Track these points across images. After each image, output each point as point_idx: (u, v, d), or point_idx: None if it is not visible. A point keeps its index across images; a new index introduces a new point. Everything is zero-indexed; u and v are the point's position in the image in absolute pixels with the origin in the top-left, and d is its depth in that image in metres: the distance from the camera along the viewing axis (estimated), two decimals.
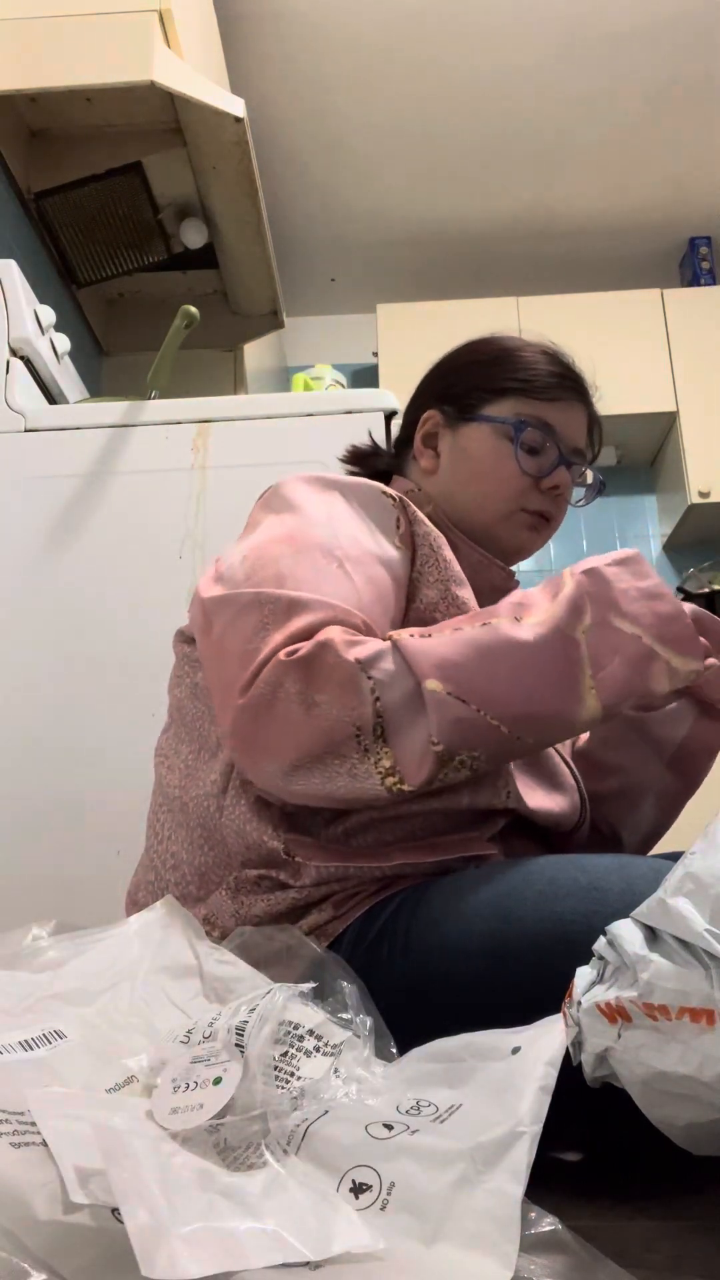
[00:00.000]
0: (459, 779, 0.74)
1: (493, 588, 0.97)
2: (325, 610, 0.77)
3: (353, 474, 1.05)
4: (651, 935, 0.51)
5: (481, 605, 0.96)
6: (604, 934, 0.54)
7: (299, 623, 0.76)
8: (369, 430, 1.15)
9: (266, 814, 0.79)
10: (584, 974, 0.54)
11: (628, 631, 0.74)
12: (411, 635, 0.75)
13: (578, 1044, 0.52)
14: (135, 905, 0.88)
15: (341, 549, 0.83)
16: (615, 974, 0.51)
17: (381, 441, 1.13)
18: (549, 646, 0.73)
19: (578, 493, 1.03)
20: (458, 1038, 0.60)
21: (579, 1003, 0.51)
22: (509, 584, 0.99)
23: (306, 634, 0.75)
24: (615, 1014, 0.49)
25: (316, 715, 0.72)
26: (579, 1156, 0.65)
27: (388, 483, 1.01)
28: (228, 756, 0.83)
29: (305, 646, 0.73)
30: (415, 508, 0.91)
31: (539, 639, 0.73)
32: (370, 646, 0.74)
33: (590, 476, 1.03)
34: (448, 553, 0.90)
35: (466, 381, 1.01)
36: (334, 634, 0.74)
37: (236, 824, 0.80)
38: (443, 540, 0.91)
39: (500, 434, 0.97)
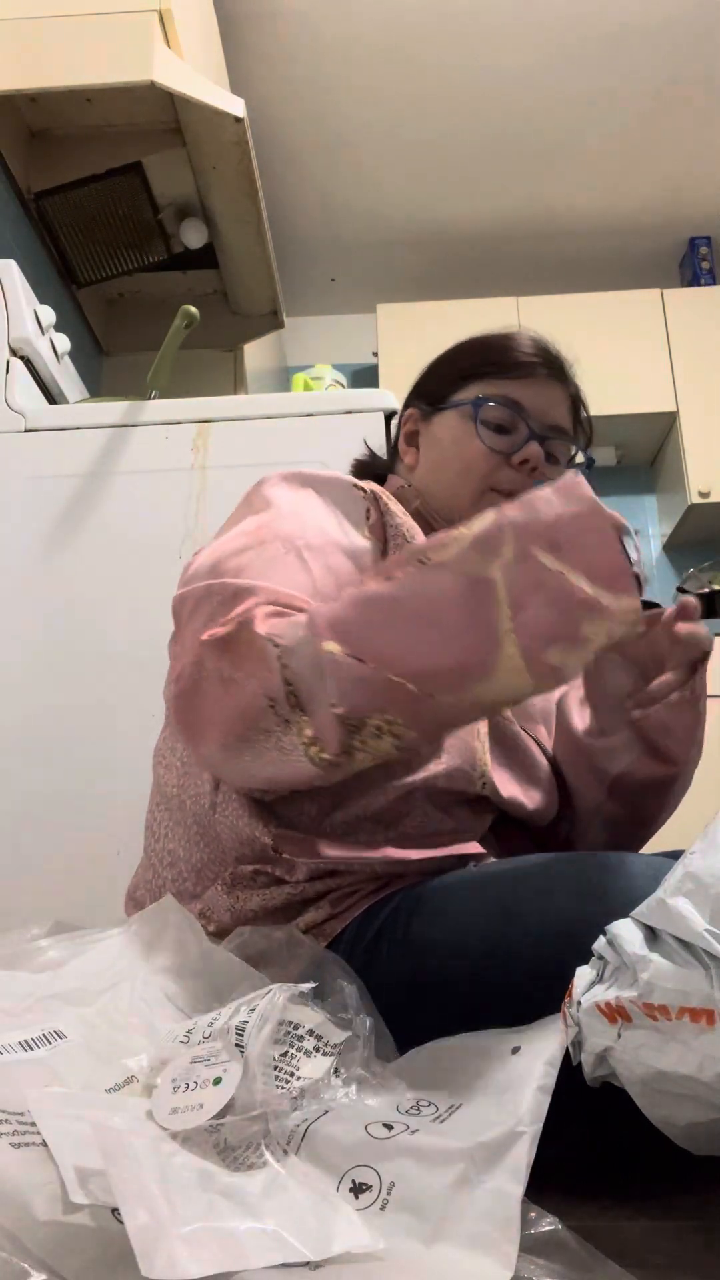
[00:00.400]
0: (386, 749, 0.68)
1: None
2: (264, 595, 0.76)
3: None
4: (651, 935, 0.51)
5: None
6: (604, 934, 0.54)
7: (238, 609, 0.75)
8: (364, 439, 1.17)
9: (257, 810, 0.79)
10: (584, 974, 0.54)
11: (552, 568, 0.63)
12: (326, 603, 0.72)
13: (577, 1044, 0.52)
14: (134, 904, 0.88)
15: (304, 539, 0.84)
16: (615, 974, 0.51)
17: (380, 444, 1.14)
18: (451, 589, 0.65)
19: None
20: (458, 1038, 0.60)
21: (579, 1002, 0.51)
22: None
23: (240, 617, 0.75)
24: (615, 1014, 0.49)
25: (233, 691, 0.71)
26: (578, 1156, 0.65)
27: (384, 485, 1.02)
28: None
29: (224, 628, 0.73)
30: (388, 500, 0.92)
31: (439, 583, 0.65)
32: (286, 619, 0.72)
33: (580, 456, 1.01)
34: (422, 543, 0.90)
35: (438, 374, 1.03)
36: (257, 612, 0.73)
37: (229, 820, 0.80)
38: (418, 531, 0.90)
39: (464, 416, 0.96)
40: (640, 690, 0.87)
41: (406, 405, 1.06)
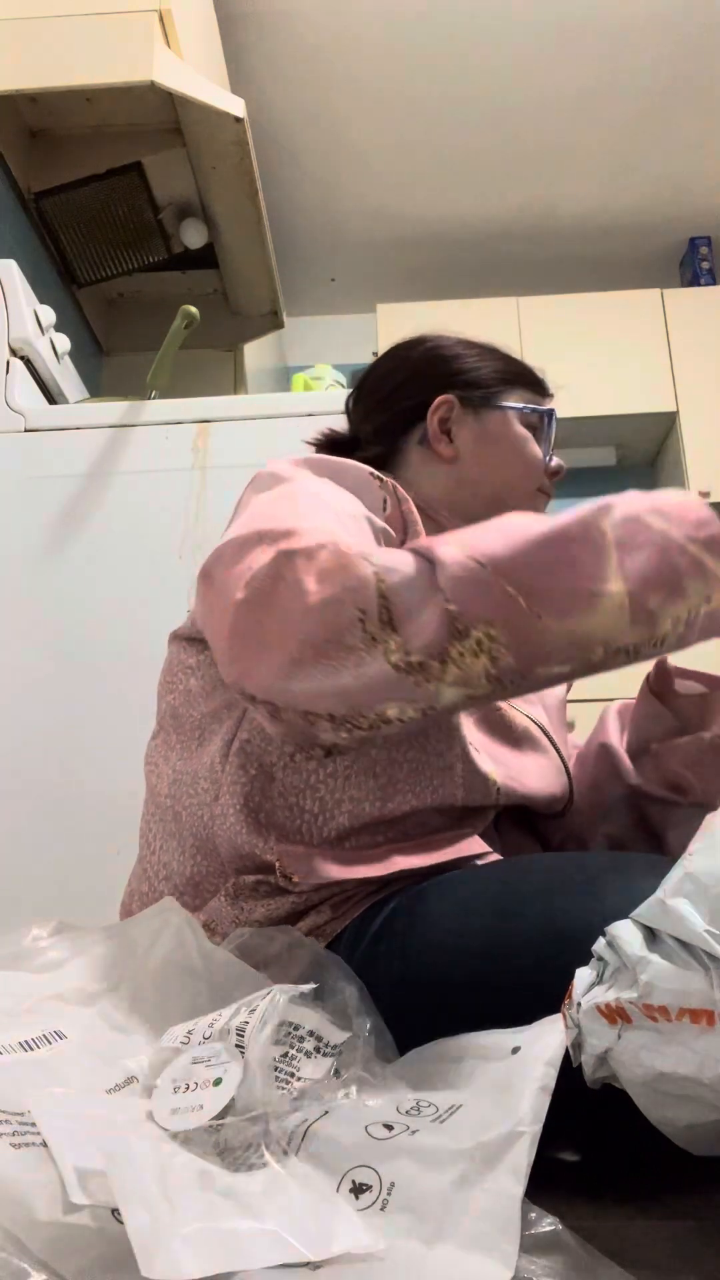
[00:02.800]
0: (478, 672, 0.67)
1: None
2: (323, 534, 0.73)
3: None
4: (651, 936, 0.51)
5: None
6: (603, 935, 0.53)
7: (295, 539, 0.73)
8: (346, 410, 1.09)
9: (256, 824, 0.78)
10: (583, 975, 0.54)
11: (658, 526, 0.69)
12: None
13: (577, 1045, 0.52)
14: (129, 916, 0.87)
15: (335, 507, 0.82)
16: (615, 975, 0.51)
17: None
18: (572, 528, 0.69)
19: None
20: (458, 1038, 0.60)
21: (578, 1004, 0.51)
22: None
23: (304, 543, 0.73)
24: (615, 1015, 0.49)
25: (319, 602, 0.67)
26: (578, 1157, 0.65)
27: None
28: (216, 762, 0.82)
29: (303, 541, 0.71)
30: (403, 491, 0.90)
31: (561, 522, 0.69)
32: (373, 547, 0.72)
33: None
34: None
35: (474, 371, 1.02)
36: (329, 539, 0.72)
37: (227, 833, 0.79)
38: (421, 528, 0.90)
39: (522, 422, 1.01)
40: (672, 738, 0.94)
41: (433, 393, 1.01)
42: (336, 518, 0.79)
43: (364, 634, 0.67)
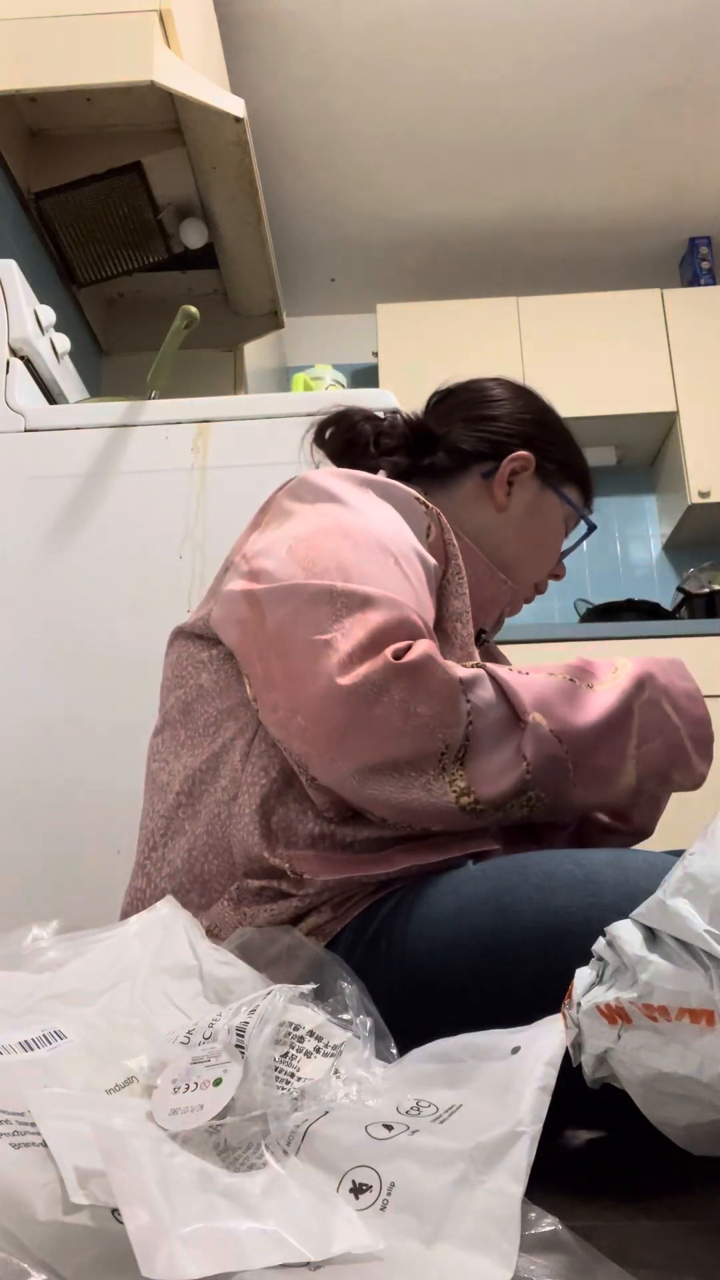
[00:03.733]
0: (516, 817, 0.76)
1: (491, 600, 1.01)
2: (397, 610, 0.76)
3: (338, 464, 1.04)
4: (651, 936, 0.51)
5: (478, 617, 1.00)
6: (603, 935, 0.54)
7: (375, 618, 0.75)
8: (393, 411, 1.10)
9: (269, 827, 0.78)
10: (583, 975, 0.54)
11: (672, 719, 0.79)
12: (499, 669, 0.78)
13: (577, 1045, 0.52)
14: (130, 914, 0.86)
15: (394, 545, 0.82)
16: (614, 975, 0.51)
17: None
18: (617, 711, 0.77)
19: None
20: (457, 1038, 0.60)
21: (578, 1004, 0.51)
22: (512, 605, 1.05)
23: (388, 633, 0.75)
24: (615, 1015, 0.49)
25: (414, 727, 0.72)
26: (579, 1156, 0.65)
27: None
28: (237, 762, 0.81)
29: (413, 655, 0.73)
30: (446, 519, 0.92)
31: (611, 702, 0.77)
32: (469, 670, 0.76)
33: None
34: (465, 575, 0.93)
35: (559, 451, 1.05)
36: (430, 648, 0.75)
37: (241, 834, 0.79)
38: (460, 561, 0.92)
39: (565, 513, 1.05)
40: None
41: (511, 444, 1.02)
42: (398, 565, 0.81)
43: (438, 764, 0.73)
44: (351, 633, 0.74)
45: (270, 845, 0.78)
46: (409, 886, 0.76)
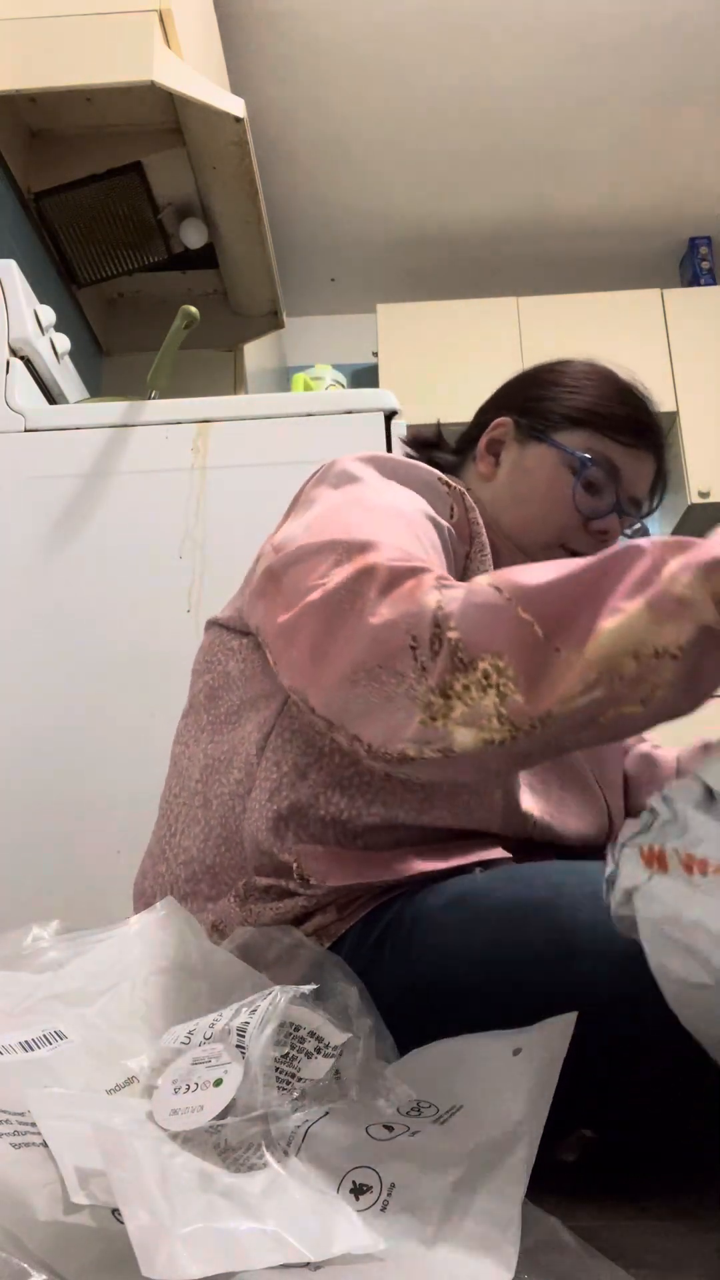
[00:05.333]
0: (487, 711, 0.60)
1: None
2: (399, 551, 0.72)
3: (410, 457, 1.01)
4: (709, 797, 0.50)
5: None
6: (659, 790, 0.54)
7: (371, 555, 0.71)
8: (437, 420, 1.11)
9: (280, 821, 0.78)
10: (631, 823, 0.54)
11: (685, 556, 0.59)
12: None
13: (611, 881, 0.53)
14: (142, 895, 0.86)
15: (407, 515, 0.80)
16: (664, 825, 0.51)
17: (379, 444, 1.11)
18: (605, 561, 0.62)
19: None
20: (459, 1039, 0.60)
21: (622, 845, 0.52)
22: None
23: (382, 565, 0.70)
24: (653, 859, 0.49)
25: (378, 624, 0.65)
26: (578, 1156, 0.65)
27: None
28: (252, 754, 0.81)
29: (385, 559, 0.69)
30: (470, 499, 0.89)
31: (596, 557, 0.63)
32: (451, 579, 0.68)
33: (639, 528, 1.00)
34: (489, 552, 0.89)
35: (547, 400, 0.98)
36: (414, 558, 0.71)
37: (252, 828, 0.78)
38: (485, 538, 0.89)
39: (565, 463, 0.94)
40: None
41: (498, 409, 1.00)
42: (410, 527, 0.78)
43: (414, 663, 0.63)
44: (346, 567, 0.71)
45: (280, 840, 0.77)
46: (414, 891, 0.76)
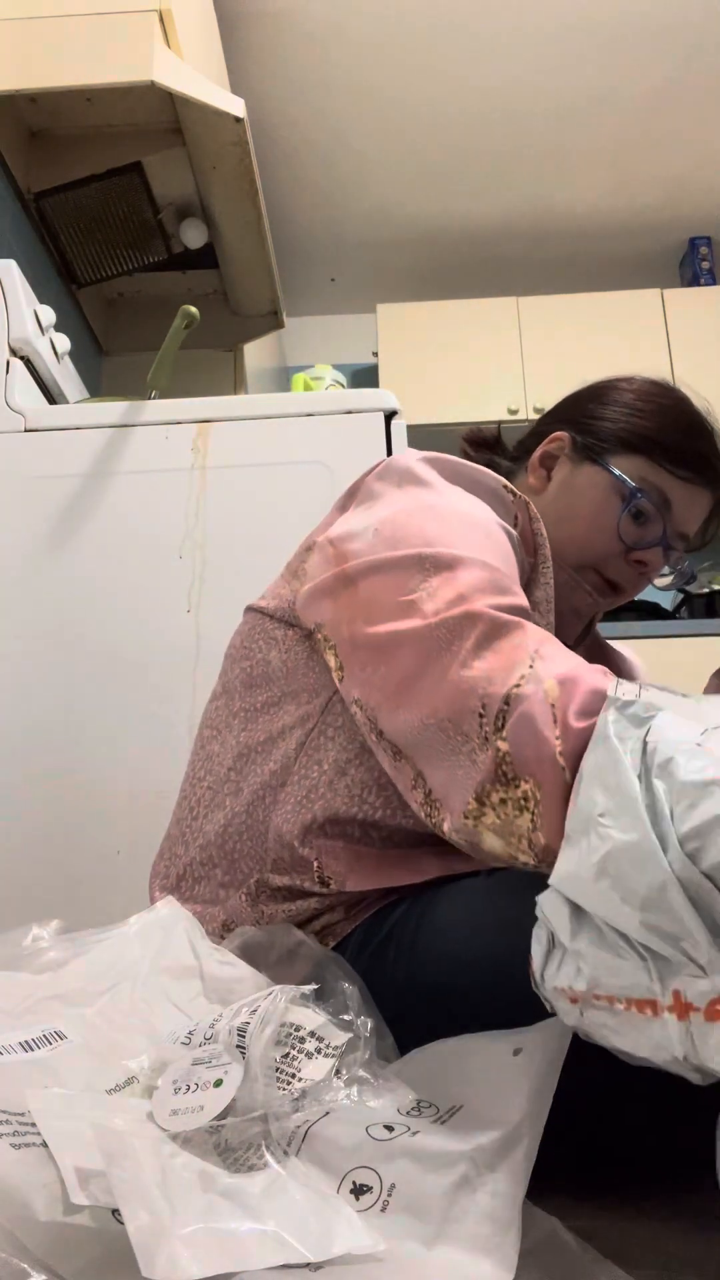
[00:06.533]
0: (519, 831, 0.60)
1: (574, 611, 0.93)
2: (487, 569, 0.71)
3: (468, 455, 1.01)
4: (577, 910, 0.49)
5: (560, 629, 0.93)
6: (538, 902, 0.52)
7: (465, 575, 0.70)
8: (498, 426, 1.08)
9: (310, 820, 0.77)
10: (538, 941, 0.52)
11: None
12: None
13: (552, 1012, 0.52)
14: (159, 877, 0.86)
15: (483, 525, 0.78)
16: (563, 957, 0.50)
17: (380, 445, 1.09)
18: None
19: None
20: (459, 1039, 0.60)
21: (541, 978, 0.51)
22: (592, 612, 0.95)
23: (477, 588, 0.70)
24: (575, 998, 0.49)
25: (464, 678, 0.64)
26: (579, 1156, 0.65)
27: None
28: (291, 750, 0.80)
29: (499, 606, 0.68)
30: (535, 510, 0.87)
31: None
32: (557, 647, 0.65)
33: (684, 562, 0.98)
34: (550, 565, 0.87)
35: (605, 420, 0.95)
36: (523, 605, 0.70)
37: (279, 821, 0.78)
38: (548, 549, 0.88)
39: (615, 490, 0.92)
40: None
41: (558, 421, 0.98)
42: (487, 538, 0.76)
43: (479, 730, 0.63)
44: (438, 591, 0.70)
45: (304, 835, 0.76)
46: (422, 892, 0.75)
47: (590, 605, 0.94)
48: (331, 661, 0.77)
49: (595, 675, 0.61)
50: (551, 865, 0.57)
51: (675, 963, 0.44)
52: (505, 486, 0.85)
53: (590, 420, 0.96)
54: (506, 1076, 0.52)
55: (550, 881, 0.50)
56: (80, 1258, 0.40)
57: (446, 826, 0.65)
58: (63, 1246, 0.40)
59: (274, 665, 0.85)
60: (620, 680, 0.59)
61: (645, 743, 0.50)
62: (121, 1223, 0.39)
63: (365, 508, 0.83)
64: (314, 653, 0.83)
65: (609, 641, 1.07)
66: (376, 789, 0.77)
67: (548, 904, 0.50)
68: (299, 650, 0.84)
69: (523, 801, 0.60)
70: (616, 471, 0.92)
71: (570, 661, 0.63)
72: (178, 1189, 0.42)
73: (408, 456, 0.86)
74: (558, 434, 0.96)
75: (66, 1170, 0.41)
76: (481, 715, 0.63)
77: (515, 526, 0.84)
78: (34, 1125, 0.44)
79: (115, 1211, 0.40)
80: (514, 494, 0.85)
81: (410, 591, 0.71)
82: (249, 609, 0.91)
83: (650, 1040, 0.45)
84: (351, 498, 0.88)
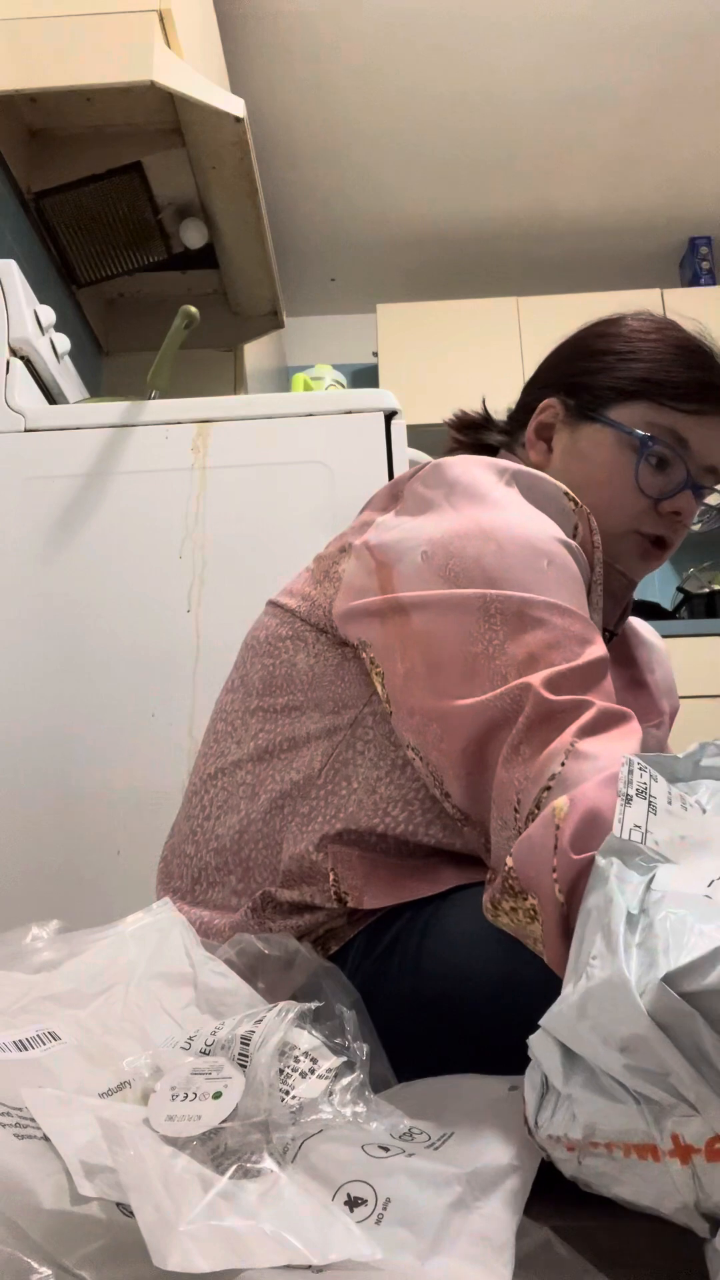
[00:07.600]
0: (533, 937, 0.58)
1: (610, 594, 0.88)
2: (556, 613, 0.68)
3: (459, 441, 0.97)
4: (568, 1052, 0.46)
5: (605, 619, 0.89)
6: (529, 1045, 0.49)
7: (538, 635, 0.67)
8: (483, 398, 1.01)
9: (334, 835, 0.75)
10: (531, 1087, 0.49)
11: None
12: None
13: (549, 1161, 0.49)
14: (168, 875, 0.83)
15: (544, 544, 0.73)
16: (556, 1101, 0.47)
17: (380, 446, 1.06)
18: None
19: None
20: (447, 1078, 0.59)
21: (536, 1125, 0.48)
22: (627, 594, 0.91)
23: (549, 647, 0.67)
24: (571, 1145, 0.46)
25: (508, 766, 0.63)
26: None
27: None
28: (316, 763, 0.77)
29: (561, 694, 0.64)
30: (592, 515, 0.81)
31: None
32: (601, 741, 0.62)
33: (717, 498, 0.91)
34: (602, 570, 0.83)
35: (595, 374, 0.88)
36: (592, 678, 0.66)
37: (295, 832, 0.75)
38: (602, 558, 0.82)
39: (624, 443, 0.85)
40: None
41: (544, 388, 0.91)
42: (552, 567, 0.72)
43: (514, 817, 0.62)
44: (505, 647, 0.67)
45: (321, 841, 0.74)
46: (427, 902, 0.73)
47: (624, 586, 0.90)
48: (380, 690, 0.74)
49: (607, 792, 0.57)
50: (563, 972, 0.55)
51: (665, 1104, 0.41)
52: (566, 494, 0.80)
53: (579, 378, 0.89)
54: (503, 1111, 0.52)
55: (540, 1022, 0.47)
56: (85, 1247, 0.39)
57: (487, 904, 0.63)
58: (67, 1235, 0.39)
59: (299, 669, 0.81)
60: (634, 764, 0.54)
61: (650, 888, 0.47)
62: (127, 1215, 0.39)
63: (410, 516, 0.78)
64: (345, 662, 0.79)
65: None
66: (402, 804, 0.75)
67: (539, 1046, 0.47)
68: (329, 657, 0.80)
69: (532, 912, 0.58)
70: (620, 423, 0.85)
71: (600, 763, 0.60)
72: (179, 1187, 0.42)
73: (460, 462, 0.80)
74: (548, 401, 0.90)
75: (71, 1161, 0.41)
76: (516, 810, 0.62)
77: (575, 536, 0.79)
78: (34, 1120, 0.44)
79: (120, 1204, 0.40)
80: (575, 503, 0.80)
81: (474, 641, 0.68)
82: (272, 603, 0.87)
83: (655, 1188, 0.42)
84: (394, 500, 0.83)
